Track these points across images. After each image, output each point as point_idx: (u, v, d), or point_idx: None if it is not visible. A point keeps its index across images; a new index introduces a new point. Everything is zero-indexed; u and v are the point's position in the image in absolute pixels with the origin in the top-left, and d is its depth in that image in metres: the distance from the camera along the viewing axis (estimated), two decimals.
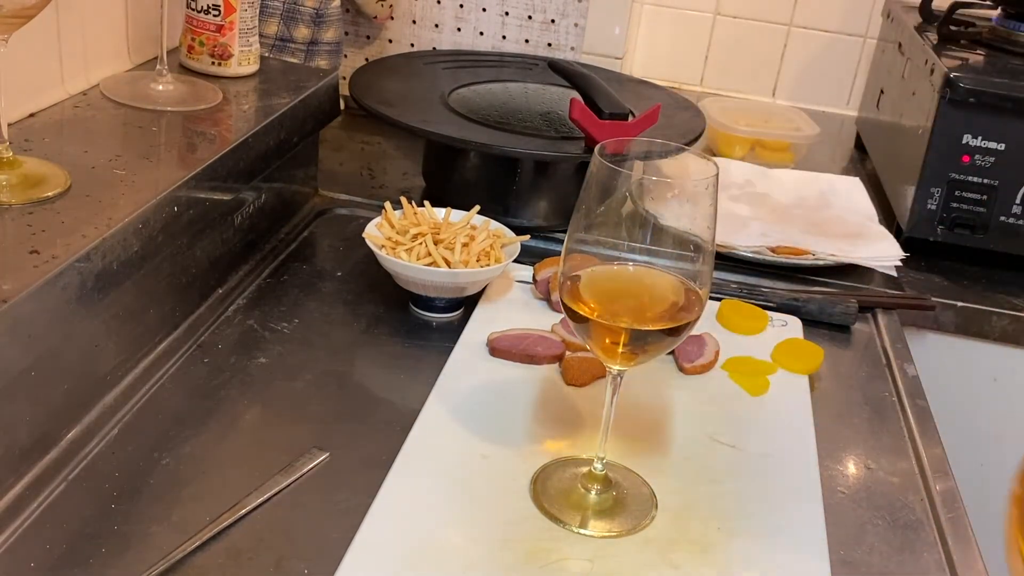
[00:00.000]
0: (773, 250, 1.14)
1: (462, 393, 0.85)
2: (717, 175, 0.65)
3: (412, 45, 1.45)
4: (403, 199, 0.98)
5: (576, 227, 0.66)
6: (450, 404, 0.83)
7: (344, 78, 1.23)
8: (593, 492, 0.74)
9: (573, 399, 0.86)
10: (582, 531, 0.71)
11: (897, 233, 1.22)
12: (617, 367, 0.70)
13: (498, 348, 0.90)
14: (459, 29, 1.44)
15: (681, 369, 0.92)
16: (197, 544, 0.66)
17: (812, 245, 1.16)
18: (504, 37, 1.43)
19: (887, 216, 1.29)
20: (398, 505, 0.71)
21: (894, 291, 1.14)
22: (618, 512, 0.73)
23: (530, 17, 1.41)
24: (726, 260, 1.13)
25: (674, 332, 0.67)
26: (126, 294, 0.79)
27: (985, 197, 1.17)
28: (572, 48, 1.42)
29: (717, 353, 0.94)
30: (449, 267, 0.92)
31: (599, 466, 0.74)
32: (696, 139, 1.16)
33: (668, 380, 0.90)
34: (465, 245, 0.94)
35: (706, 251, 0.65)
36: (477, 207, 0.99)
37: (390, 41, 1.46)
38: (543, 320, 0.95)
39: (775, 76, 1.72)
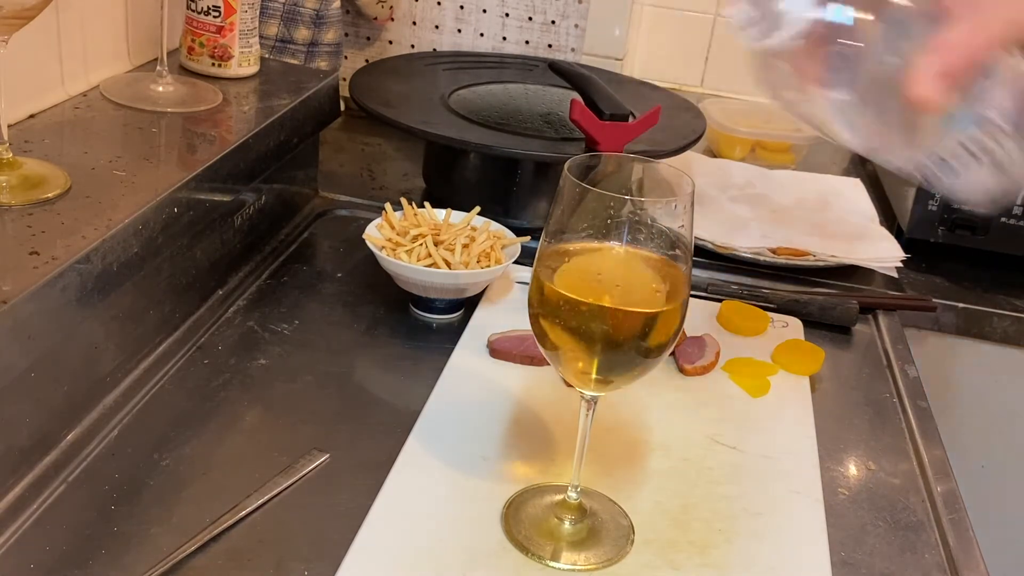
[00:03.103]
0: (774, 251, 1.14)
1: (462, 395, 0.85)
2: (693, 191, 0.63)
3: (412, 46, 1.45)
4: (403, 200, 0.98)
5: (546, 236, 0.64)
6: (450, 406, 0.83)
7: (344, 79, 1.22)
8: (567, 522, 0.72)
9: (574, 401, 0.86)
10: (553, 564, 0.68)
11: (898, 234, 1.22)
12: (591, 392, 0.67)
13: (498, 350, 0.90)
14: (459, 30, 1.43)
15: (682, 370, 0.92)
16: (197, 545, 0.66)
17: (813, 246, 1.16)
18: (504, 38, 1.43)
19: (888, 217, 1.29)
20: (398, 507, 0.71)
21: (895, 292, 1.13)
22: (592, 544, 0.71)
23: (530, 18, 1.41)
24: (727, 261, 1.13)
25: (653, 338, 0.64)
26: (126, 295, 0.79)
27: None
28: (572, 49, 1.42)
29: (718, 354, 0.94)
30: (449, 268, 0.92)
31: (573, 495, 0.72)
32: (696, 140, 1.16)
33: (668, 381, 0.90)
34: (465, 246, 0.94)
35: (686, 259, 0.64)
36: (477, 208, 0.98)
37: (390, 42, 1.46)
38: None
39: None
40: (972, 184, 0.62)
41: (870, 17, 0.60)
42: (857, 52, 0.60)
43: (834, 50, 0.60)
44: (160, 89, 0.99)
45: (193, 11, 1.04)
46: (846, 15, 0.60)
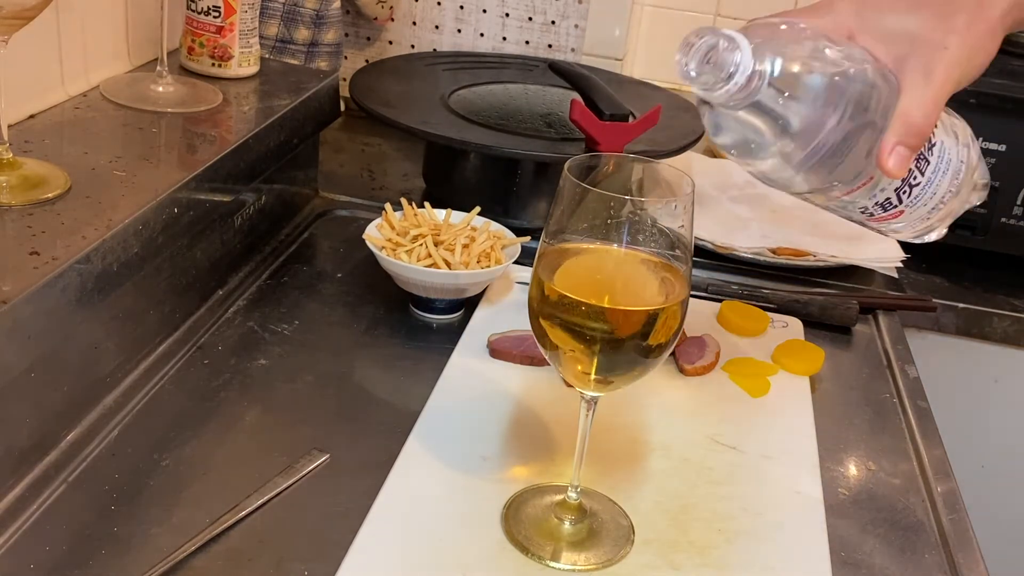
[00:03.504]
0: (774, 251, 1.14)
1: (462, 395, 0.85)
2: (693, 191, 0.63)
3: (412, 47, 1.45)
4: (403, 200, 0.98)
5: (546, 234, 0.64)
6: (450, 406, 0.83)
7: (344, 79, 1.22)
8: (567, 522, 0.71)
9: (574, 401, 0.86)
10: (553, 564, 0.68)
11: None
12: (591, 392, 0.67)
13: (498, 350, 0.90)
14: (459, 31, 1.44)
15: (682, 370, 0.92)
16: (197, 546, 0.66)
17: (813, 246, 1.16)
18: (504, 38, 1.43)
19: None
20: (398, 507, 0.71)
21: (895, 292, 1.14)
22: (592, 544, 0.70)
23: (530, 19, 1.41)
24: (727, 261, 1.13)
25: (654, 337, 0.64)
26: (126, 295, 0.79)
27: (986, 198, 1.17)
28: (572, 49, 1.42)
29: (718, 354, 0.94)
30: (449, 268, 0.92)
31: (573, 495, 0.72)
32: (696, 140, 1.15)
33: (668, 381, 0.90)
34: (465, 246, 0.94)
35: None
36: (477, 208, 0.98)
37: (390, 43, 1.46)
38: None
39: None
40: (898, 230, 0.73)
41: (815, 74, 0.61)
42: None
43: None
44: (160, 89, 0.99)
45: (193, 11, 1.04)
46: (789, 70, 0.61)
